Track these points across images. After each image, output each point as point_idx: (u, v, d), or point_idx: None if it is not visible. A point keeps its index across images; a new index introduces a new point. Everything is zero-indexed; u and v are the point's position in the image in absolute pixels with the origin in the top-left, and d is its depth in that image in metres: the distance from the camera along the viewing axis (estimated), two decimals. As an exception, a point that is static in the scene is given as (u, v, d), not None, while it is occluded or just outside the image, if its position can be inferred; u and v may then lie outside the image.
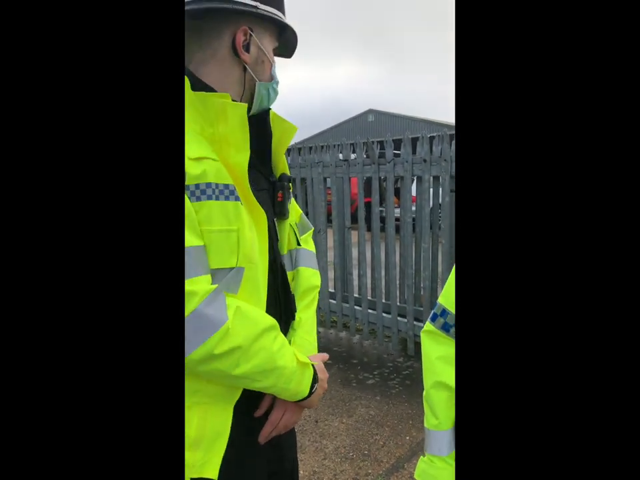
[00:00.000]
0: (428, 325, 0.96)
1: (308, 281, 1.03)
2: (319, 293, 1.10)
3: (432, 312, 0.96)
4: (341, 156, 3.56)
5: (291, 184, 0.99)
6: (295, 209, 1.11)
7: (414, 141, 3.12)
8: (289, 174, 0.99)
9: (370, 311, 3.58)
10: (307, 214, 3.78)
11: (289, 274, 1.00)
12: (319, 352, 0.99)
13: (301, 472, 2.11)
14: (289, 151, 3.91)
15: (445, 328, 0.92)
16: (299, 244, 1.05)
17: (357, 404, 2.77)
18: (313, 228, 1.16)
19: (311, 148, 3.77)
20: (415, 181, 3.32)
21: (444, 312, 0.93)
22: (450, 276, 0.94)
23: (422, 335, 0.97)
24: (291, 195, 1.02)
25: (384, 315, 3.48)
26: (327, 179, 3.72)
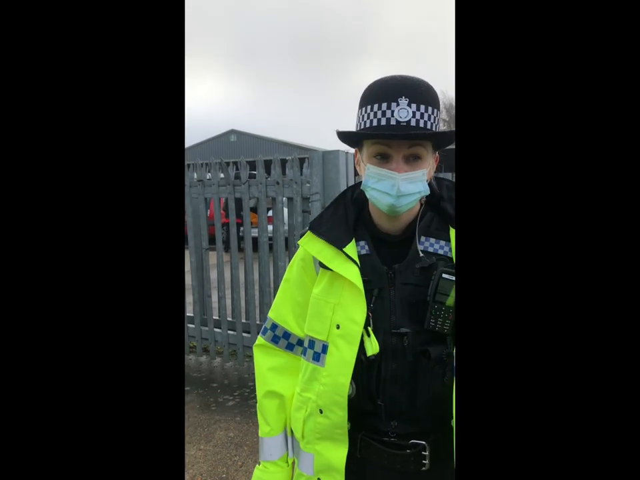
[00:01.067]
0: (259, 339, 1.02)
1: None
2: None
3: (263, 326, 1.02)
4: (195, 176, 3.52)
5: None
6: None
7: (269, 163, 3.25)
8: None
9: (230, 332, 3.56)
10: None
11: None
12: None
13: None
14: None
15: (274, 340, 0.99)
16: None
17: (216, 427, 2.72)
18: None
19: (164, 168, 3.65)
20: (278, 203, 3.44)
21: (274, 325, 1.00)
22: (278, 292, 1.02)
23: (254, 348, 1.03)
24: None
25: (244, 334, 3.50)
26: (182, 200, 3.63)
